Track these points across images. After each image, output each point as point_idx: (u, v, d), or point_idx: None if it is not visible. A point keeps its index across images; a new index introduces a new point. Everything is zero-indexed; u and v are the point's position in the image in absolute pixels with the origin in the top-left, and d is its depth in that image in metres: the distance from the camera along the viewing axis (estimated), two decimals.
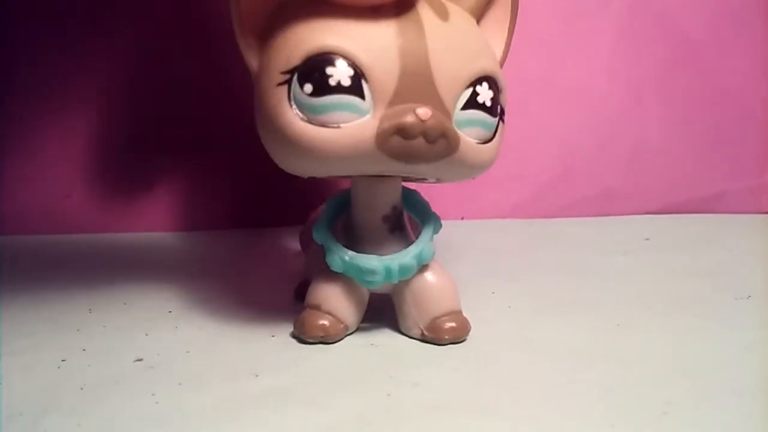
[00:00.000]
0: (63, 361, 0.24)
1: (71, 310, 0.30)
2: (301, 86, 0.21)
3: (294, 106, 0.21)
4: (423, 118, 0.21)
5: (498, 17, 0.25)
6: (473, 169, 0.24)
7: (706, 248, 0.38)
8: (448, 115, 0.22)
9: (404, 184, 0.26)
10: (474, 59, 0.22)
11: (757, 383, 0.22)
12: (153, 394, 0.21)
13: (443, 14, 0.22)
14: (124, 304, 0.30)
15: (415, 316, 0.25)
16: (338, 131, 0.21)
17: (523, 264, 0.36)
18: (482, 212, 0.48)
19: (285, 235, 0.43)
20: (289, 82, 0.21)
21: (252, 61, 0.23)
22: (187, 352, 0.25)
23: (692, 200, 0.48)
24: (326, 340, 0.25)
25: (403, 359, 0.24)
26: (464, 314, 0.26)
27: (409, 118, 0.21)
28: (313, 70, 0.21)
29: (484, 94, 0.23)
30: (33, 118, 0.44)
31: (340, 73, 0.21)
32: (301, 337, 0.25)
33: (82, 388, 0.22)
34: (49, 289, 0.32)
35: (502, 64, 0.25)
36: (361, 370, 0.23)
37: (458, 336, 0.25)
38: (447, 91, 0.22)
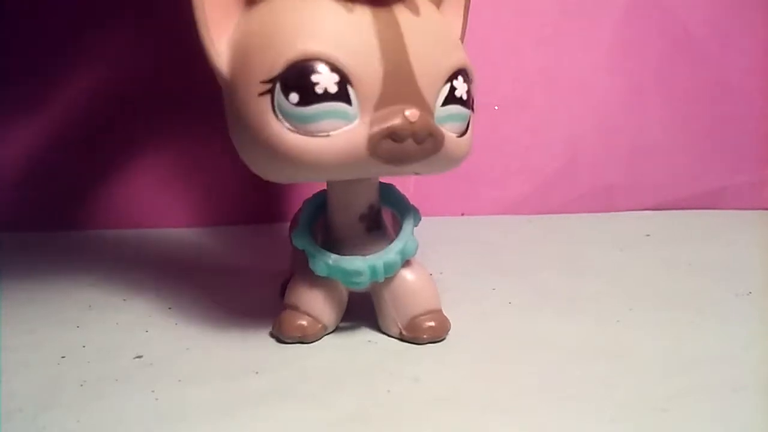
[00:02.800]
0: (63, 357, 0.24)
1: (71, 306, 0.30)
2: (286, 96, 0.20)
3: (280, 117, 0.20)
4: (412, 119, 0.21)
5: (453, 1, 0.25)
6: (454, 162, 0.24)
7: (706, 244, 0.38)
8: (431, 112, 0.22)
9: (382, 179, 0.26)
10: (449, 53, 0.22)
11: (756, 379, 0.21)
12: (153, 391, 0.21)
13: (415, 9, 0.22)
14: (124, 300, 0.30)
15: (393, 315, 0.25)
16: (328, 140, 0.21)
17: (524, 260, 0.36)
18: (483, 208, 0.48)
19: (285, 231, 0.43)
20: (272, 91, 0.20)
21: (223, 69, 0.22)
22: (187, 349, 0.25)
23: (693, 196, 0.48)
24: (304, 340, 0.25)
25: (402, 355, 0.24)
26: (465, 311, 0.26)
27: (399, 121, 0.21)
28: (297, 79, 0.20)
29: (461, 87, 0.23)
30: (32, 114, 0.44)
31: (326, 80, 0.20)
32: (280, 336, 0.25)
33: (81, 385, 0.22)
34: (49, 285, 0.32)
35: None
36: (361, 367, 0.23)
37: (437, 335, 0.25)
38: (428, 88, 0.22)
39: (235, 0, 0.22)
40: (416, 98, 0.21)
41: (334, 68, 0.20)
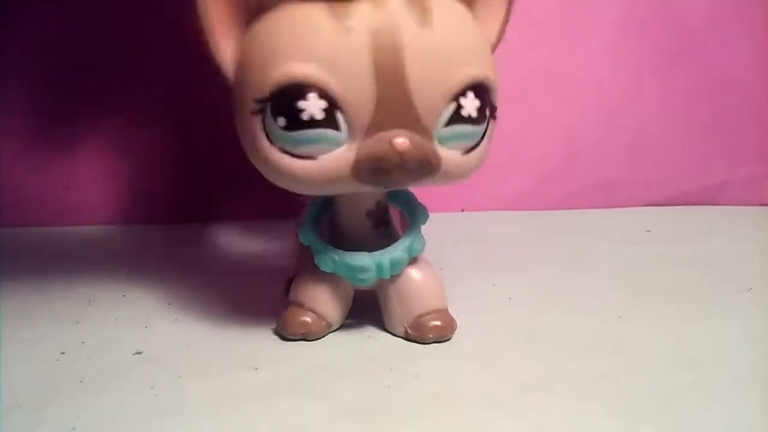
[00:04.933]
0: (62, 353, 0.24)
1: (71, 302, 0.30)
2: (275, 118, 0.20)
3: (270, 137, 0.21)
4: (400, 149, 0.20)
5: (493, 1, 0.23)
6: (457, 178, 0.23)
7: (707, 240, 0.38)
8: (429, 135, 0.21)
9: None
10: (458, 67, 0.21)
11: (758, 375, 0.22)
12: (152, 387, 0.21)
13: (424, 16, 0.20)
14: (124, 296, 0.30)
15: (399, 314, 0.25)
16: (314, 163, 0.21)
17: (524, 256, 0.36)
18: (483, 204, 0.48)
19: (285, 228, 0.43)
20: (262, 111, 0.20)
21: (228, 72, 0.22)
22: (187, 344, 0.25)
23: (694, 192, 0.48)
24: (307, 337, 0.25)
25: (402, 351, 0.24)
26: (465, 307, 0.26)
27: (385, 151, 0.20)
28: (284, 103, 0.20)
29: (470, 105, 0.21)
30: (32, 109, 0.44)
31: (312, 107, 0.20)
32: (283, 333, 0.25)
33: (81, 381, 0.22)
34: (48, 281, 0.32)
35: (494, 48, 0.24)
36: (361, 363, 0.23)
37: (443, 335, 0.25)
38: (427, 110, 0.20)
39: (239, 11, 0.21)
40: (411, 122, 0.20)
41: (323, 94, 0.20)
